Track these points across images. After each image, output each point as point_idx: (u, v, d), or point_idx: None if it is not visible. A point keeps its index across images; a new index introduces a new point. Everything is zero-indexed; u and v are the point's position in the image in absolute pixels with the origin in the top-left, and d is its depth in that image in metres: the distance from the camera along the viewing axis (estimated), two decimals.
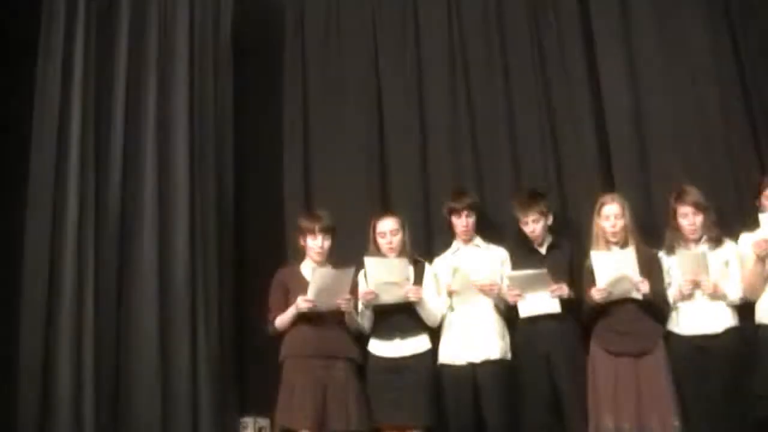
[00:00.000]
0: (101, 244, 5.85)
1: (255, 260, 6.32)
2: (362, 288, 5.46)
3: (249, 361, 6.17)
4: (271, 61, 6.69)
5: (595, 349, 5.30)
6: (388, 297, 5.39)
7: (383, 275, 5.36)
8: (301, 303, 5.29)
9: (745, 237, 5.28)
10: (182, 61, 6.26)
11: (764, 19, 5.92)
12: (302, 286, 5.36)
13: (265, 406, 5.63)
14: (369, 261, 5.39)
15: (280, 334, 5.44)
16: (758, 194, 5.30)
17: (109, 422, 5.63)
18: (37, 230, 5.78)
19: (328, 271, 5.38)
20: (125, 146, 6.03)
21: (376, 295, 5.37)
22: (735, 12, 5.99)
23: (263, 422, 5.95)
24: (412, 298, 5.38)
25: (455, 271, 5.44)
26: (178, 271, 5.92)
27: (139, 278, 5.87)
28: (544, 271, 5.28)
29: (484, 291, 5.41)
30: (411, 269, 5.48)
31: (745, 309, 5.24)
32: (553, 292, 5.31)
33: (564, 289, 5.34)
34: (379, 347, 5.47)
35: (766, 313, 5.13)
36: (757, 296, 5.18)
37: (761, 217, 5.09)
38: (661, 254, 5.42)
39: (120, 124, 6.06)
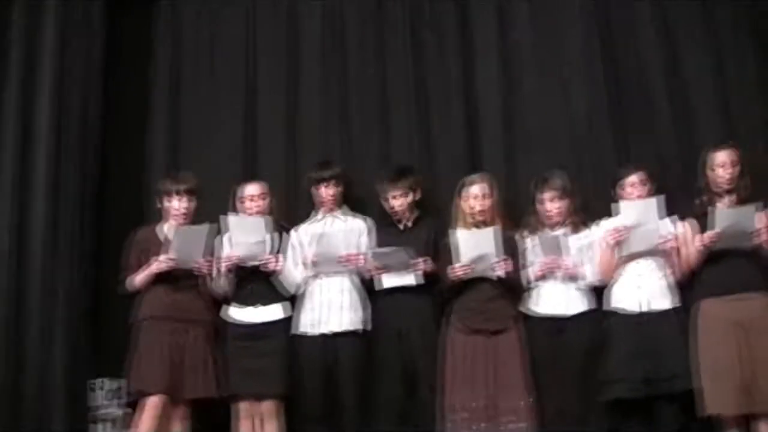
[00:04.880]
0: None
1: (116, 220, 6.14)
2: (224, 251, 5.42)
3: (102, 322, 6.02)
4: (143, 20, 6.60)
5: (451, 326, 5.33)
6: (248, 258, 5.37)
7: (243, 234, 5.34)
8: (163, 261, 5.23)
9: (604, 223, 5.39)
10: (50, 12, 6.06)
11: (631, 21, 6.09)
12: (159, 246, 5.30)
13: (118, 368, 5.49)
14: (230, 218, 5.38)
15: (133, 294, 5.36)
16: (620, 184, 5.40)
17: None
18: None
19: (189, 227, 5.35)
20: None
21: (237, 258, 5.35)
22: (605, 14, 6.12)
23: (116, 384, 5.84)
24: (274, 267, 5.37)
25: (319, 236, 5.44)
26: (36, 229, 5.72)
27: None
28: (405, 248, 5.30)
29: (345, 262, 5.41)
30: (276, 236, 5.47)
31: (600, 293, 5.36)
32: (413, 266, 5.33)
33: (425, 264, 5.36)
34: (235, 313, 5.43)
35: (614, 299, 5.27)
36: (609, 281, 5.32)
37: (620, 204, 5.23)
38: (520, 236, 5.48)
39: None
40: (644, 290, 5.20)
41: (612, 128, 5.93)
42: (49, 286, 5.70)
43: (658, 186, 5.39)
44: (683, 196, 5.46)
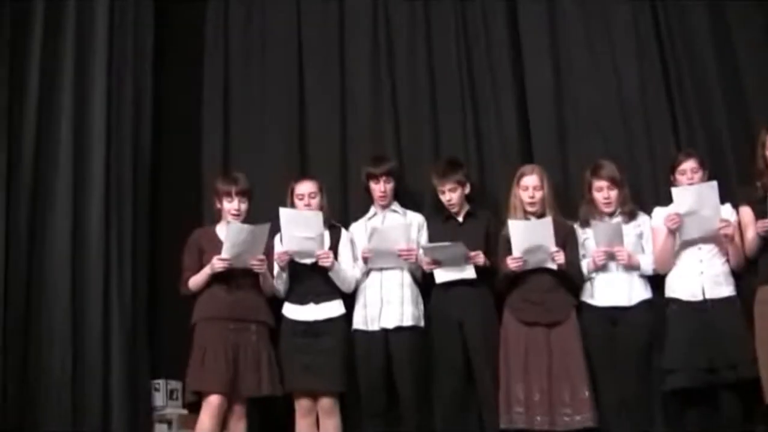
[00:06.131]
0: (14, 206, 5.62)
1: (171, 222, 6.25)
2: (278, 250, 5.42)
3: (161, 323, 6.13)
4: (193, 18, 6.62)
5: (508, 318, 5.32)
6: (302, 254, 5.37)
7: (297, 229, 5.32)
8: (217, 263, 5.22)
9: (659, 211, 5.36)
10: (102, 11, 6.08)
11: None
12: (217, 246, 5.29)
13: (177, 369, 5.60)
14: (283, 212, 5.36)
15: (193, 296, 5.38)
16: (673, 170, 5.36)
17: (16, 386, 5.44)
18: None
19: (242, 226, 5.30)
20: (40, 98, 5.77)
21: (291, 254, 5.35)
22: None
23: (175, 385, 5.94)
24: (324, 263, 5.36)
25: (373, 231, 5.43)
26: (92, 231, 5.78)
27: (51, 239, 5.68)
28: (459, 243, 5.28)
29: (402, 256, 5.39)
30: (327, 233, 5.47)
31: (657, 282, 5.33)
32: (468, 260, 5.31)
33: (480, 257, 5.34)
34: (292, 311, 5.44)
35: (674, 287, 5.24)
36: (667, 269, 5.29)
37: (674, 191, 5.16)
38: (577, 226, 5.46)
39: (35, 74, 5.79)
40: (705, 277, 5.15)
41: (665, 110, 5.84)
42: (107, 288, 5.77)
43: (711, 172, 5.33)
44: (737, 181, 5.46)
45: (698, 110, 5.80)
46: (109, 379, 5.65)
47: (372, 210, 5.73)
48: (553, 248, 5.22)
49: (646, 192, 5.67)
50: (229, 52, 6.50)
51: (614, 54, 6.01)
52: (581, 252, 5.38)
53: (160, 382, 5.98)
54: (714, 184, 5.11)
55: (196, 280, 5.35)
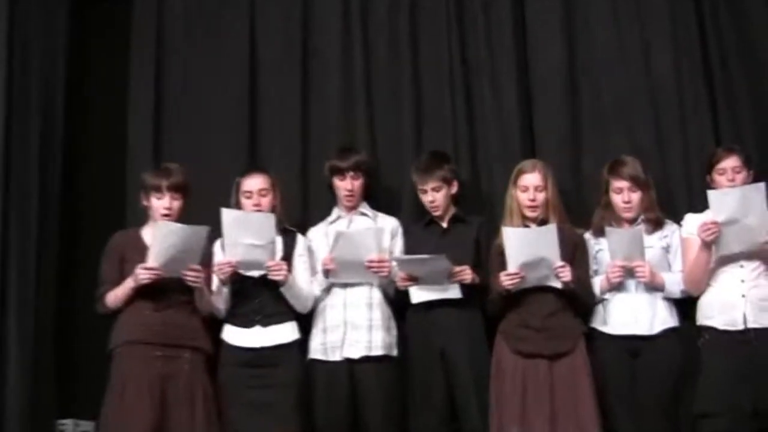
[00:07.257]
0: None
1: (87, 225, 5.76)
2: (218, 259, 4.89)
3: (71, 350, 5.62)
4: None
5: (502, 348, 4.78)
6: (249, 265, 4.84)
7: (243, 234, 4.78)
8: (141, 273, 4.67)
9: (690, 219, 4.83)
10: None
11: None
12: (142, 253, 4.76)
13: (89, 407, 5.04)
14: (226, 213, 4.82)
15: (113, 315, 4.82)
16: (710, 169, 4.84)
17: None
18: None
19: (173, 226, 4.78)
20: None
21: (234, 265, 4.80)
22: None
23: (86, 426, 5.41)
24: (275, 276, 4.83)
25: (338, 235, 4.89)
26: None
27: None
28: (442, 256, 4.75)
29: (372, 269, 4.85)
30: (279, 240, 4.96)
31: (685, 306, 4.83)
32: (453, 276, 4.78)
33: (467, 273, 4.80)
34: (235, 335, 4.89)
35: (709, 313, 4.71)
36: (700, 290, 4.75)
37: (710, 194, 4.61)
38: (588, 236, 4.94)
39: None
40: (748, 301, 4.60)
41: (703, 97, 5.33)
42: (2, 306, 5.24)
43: (758, 172, 4.78)
44: None
45: (745, 97, 5.31)
46: (3, 420, 5.12)
47: (335, 212, 5.21)
48: (558, 262, 4.67)
49: (677, 196, 5.21)
50: (164, 15, 5.95)
51: (642, 27, 5.49)
52: (593, 267, 4.87)
53: (68, 423, 5.47)
54: (761, 186, 4.55)
55: (115, 296, 4.79)
